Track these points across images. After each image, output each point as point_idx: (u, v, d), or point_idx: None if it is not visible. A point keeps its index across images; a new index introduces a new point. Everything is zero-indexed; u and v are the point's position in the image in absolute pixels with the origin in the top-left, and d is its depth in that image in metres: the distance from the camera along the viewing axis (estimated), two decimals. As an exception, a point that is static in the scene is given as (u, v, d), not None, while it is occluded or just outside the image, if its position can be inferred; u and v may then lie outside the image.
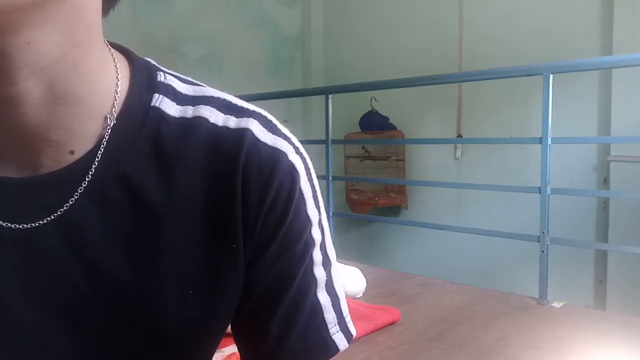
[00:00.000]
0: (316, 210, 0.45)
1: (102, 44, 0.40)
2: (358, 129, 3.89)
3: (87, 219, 0.39)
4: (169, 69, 0.46)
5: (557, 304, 1.77)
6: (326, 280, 0.46)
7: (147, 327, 0.41)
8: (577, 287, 3.05)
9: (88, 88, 0.38)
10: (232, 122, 0.42)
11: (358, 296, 1.83)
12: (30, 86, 0.35)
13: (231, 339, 0.48)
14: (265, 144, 0.42)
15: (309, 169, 0.45)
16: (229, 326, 0.47)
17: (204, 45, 3.72)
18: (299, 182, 0.43)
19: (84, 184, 0.39)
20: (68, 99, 0.37)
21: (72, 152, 0.39)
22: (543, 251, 1.85)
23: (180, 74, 0.46)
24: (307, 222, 0.45)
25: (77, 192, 0.38)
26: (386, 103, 3.76)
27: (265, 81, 4.02)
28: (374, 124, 3.79)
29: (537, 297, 1.83)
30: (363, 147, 3.83)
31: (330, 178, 2.59)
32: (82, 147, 0.39)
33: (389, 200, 3.83)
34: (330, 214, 2.57)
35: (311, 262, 0.45)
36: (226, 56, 3.83)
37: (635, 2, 2.77)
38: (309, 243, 0.45)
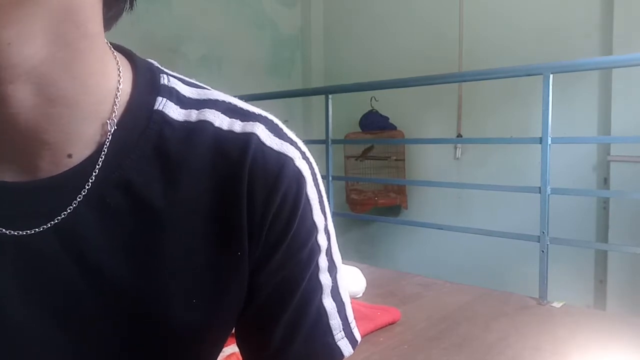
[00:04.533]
0: (322, 216, 0.45)
1: (102, 45, 0.39)
2: (358, 129, 3.89)
3: (88, 224, 0.38)
4: (169, 69, 0.45)
5: (557, 304, 1.77)
6: (332, 286, 0.46)
7: (151, 332, 0.41)
8: (577, 287, 3.04)
9: (83, 90, 0.37)
10: (238, 126, 0.42)
11: (358, 296, 1.83)
12: (19, 88, 0.34)
13: (232, 339, 0.48)
14: (272, 149, 0.42)
15: (315, 174, 0.45)
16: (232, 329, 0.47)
17: (204, 45, 3.71)
18: (306, 188, 0.43)
19: (85, 189, 0.38)
20: (61, 101, 0.36)
21: (69, 156, 0.38)
22: (543, 251, 1.85)
23: (181, 74, 0.46)
24: (313, 228, 0.44)
25: (77, 197, 0.38)
26: (386, 103, 3.76)
27: (265, 81, 4.01)
28: (374, 124, 3.79)
29: (537, 297, 1.83)
30: (368, 148, 3.81)
31: (330, 178, 2.59)
32: (80, 151, 0.38)
33: (389, 200, 3.83)
34: (331, 214, 2.56)
35: (317, 268, 0.45)
36: (226, 56, 3.83)
37: (635, 2, 2.77)
38: (315, 249, 0.44)
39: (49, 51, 0.34)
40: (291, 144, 0.43)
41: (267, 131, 0.42)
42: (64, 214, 0.37)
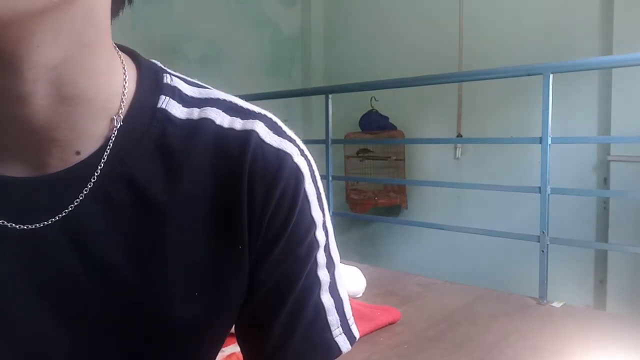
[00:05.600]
0: (320, 212, 0.46)
1: (110, 45, 0.40)
2: (358, 129, 3.89)
3: (93, 219, 0.39)
4: (170, 69, 0.46)
5: (557, 304, 1.77)
6: (330, 282, 0.46)
7: (151, 327, 0.41)
8: (577, 287, 3.04)
9: (95, 89, 0.38)
10: (238, 124, 0.43)
11: (358, 296, 1.83)
12: (39, 86, 0.35)
13: (232, 339, 0.48)
14: (271, 146, 0.42)
15: (313, 171, 0.46)
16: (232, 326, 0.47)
17: (204, 45, 3.71)
18: (304, 184, 0.44)
19: (90, 184, 0.39)
20: (76, 100, 0.37)
21: (78, 153, 0.39)
22: (543, 251, 1.85)
23: (181, 74, 0.47)
24: (312, 224, 0.45)
25: (82, 192, 0.38)
26: (386, 103, 3.76)
27: (265, 81, 4.02)
28: (374, 123, 3.79)
29: (537, 297, 1.83)
30: (359, 151, 3.82)
31: (330, 178, 2.59)
32: (88, 148, 0.39)
33: (388, 200, 3.83)
34: (331, 214, 2.56)
35: (315, 264, 0.45)
36: (226, 56, 3.83)
37: (636, 2, 2.77)
38: (313, 245, 0.45)
39: (69, 51, 0.35)
40: (290, 141, 0.44)
41: (266, 129, 0.43)
42: (71, 208, 0.38)
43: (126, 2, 0.44)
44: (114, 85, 0.40)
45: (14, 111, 0.36)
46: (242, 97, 0.46)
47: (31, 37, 0.33)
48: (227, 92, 0.46)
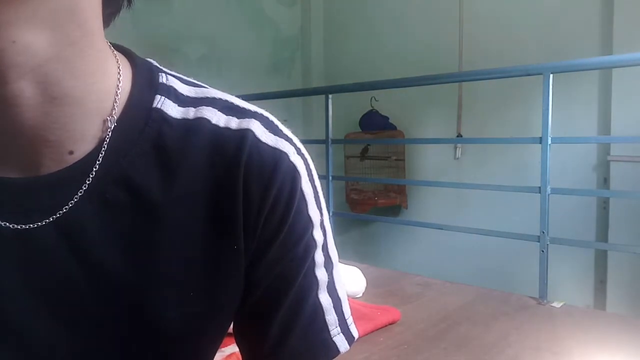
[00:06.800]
0: (318, 212, 0.45)
1: (102, 44, 0.40)
2: (358, 129, 3.89)
3: (88, 219, 0.39)
4: (169, 69, 0.46)
5: (557, 304, 1.77)
6: (328, 281, 0.46)
7: (148, 328, 0.41)
8: (577, 287, 3.04)
9: (85, 88, 0.38)
10: (234, 123, 0.42)
11: (358, 296, 1.83)
12: (24, 87, 0.35)
13: (231, 339, 0.48)
14: (267, 145, 0.42)
15: (310, 170, 0.45)
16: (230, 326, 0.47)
17: (204, 45, 3.71)
18: (300, 183, 0.43)
19: (85, 185, 0.39)
20: (64, 100, 0.37)
21: (71, 153, 0.38)
22: (543, 251, 1.85)
23: (181, 74, 0.46)
24: (309, 223, 0.44)
25: (78, 192, 0.38)
26: (386, 103, 3.76)
27: (265, 81, 4.02)
28: (374, 123, 3.79)
29: (537, 297, 1.83)
30: (363, 149, 3.82)
31: (330, 178, 2.59)
32: (81, 148, 0.39)
33: (388, 200, 3.83)
34: (330, 214, 2.57)
35: (313, 264, 0.45)
36: (226, 56, 3.83)
37: (636, 2, 2.77)
38: (311, 244, 0.45)
39: (53, 50, 0.35)
40: (286, 140, 0.44)
41: (262, 127, 0.43)
42: (65, 209, 0.38)
43: (125, 5, 0.44)
44: (107, 85, 0.40)
45: (3, 112, 0.35)
46: (242, 97, 0.46)
47: (2, 32, 0.32)
48: (227, 92, 0.46)
